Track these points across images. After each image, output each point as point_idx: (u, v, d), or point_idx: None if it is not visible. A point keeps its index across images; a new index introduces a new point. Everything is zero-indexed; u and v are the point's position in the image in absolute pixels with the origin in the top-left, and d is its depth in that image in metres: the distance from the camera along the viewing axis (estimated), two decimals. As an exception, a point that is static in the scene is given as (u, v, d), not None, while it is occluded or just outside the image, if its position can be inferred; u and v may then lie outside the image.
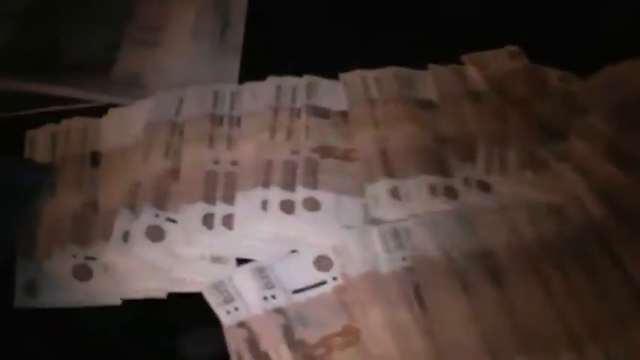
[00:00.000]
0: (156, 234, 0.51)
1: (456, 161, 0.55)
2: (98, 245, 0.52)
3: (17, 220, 0.51)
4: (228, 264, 0.51)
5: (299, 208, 0.52)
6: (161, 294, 0.51)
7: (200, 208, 0.53)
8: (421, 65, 0.62)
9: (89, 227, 0.53)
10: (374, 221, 0.52)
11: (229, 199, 0.53)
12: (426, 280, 0.49)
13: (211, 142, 0.57)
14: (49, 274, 0.50)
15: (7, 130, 0.58)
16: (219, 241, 0.52)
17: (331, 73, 0.61)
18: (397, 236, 0.51)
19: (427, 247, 0.50)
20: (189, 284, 0.50)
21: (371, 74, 0.61)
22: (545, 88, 0.60)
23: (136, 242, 0.51)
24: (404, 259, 0.50)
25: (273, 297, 0.49)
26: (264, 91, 0.60)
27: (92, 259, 0.51)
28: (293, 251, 0.52)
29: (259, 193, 0.53)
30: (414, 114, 0.58)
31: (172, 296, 0.51)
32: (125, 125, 0.58)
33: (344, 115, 0.59)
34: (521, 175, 0.55)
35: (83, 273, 0.51)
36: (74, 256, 0.51)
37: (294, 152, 0.56)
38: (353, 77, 0.61)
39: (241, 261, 0.52)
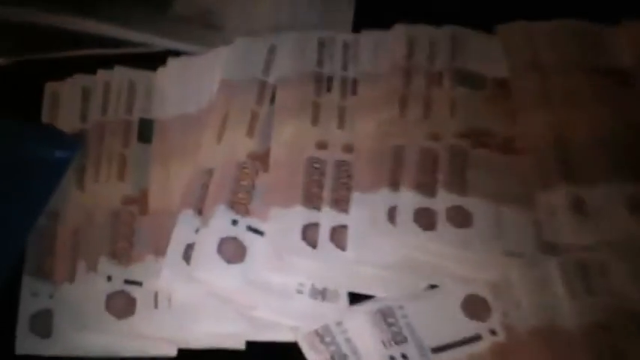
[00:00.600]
0: (232, 250, 0.44)
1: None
2: (145, 263, 0.45)
3: (31, 216, 0.45)
4: (338, 301, 0.45)
5: (441, 221, 0.45)
6: (237, 343, 0.44)
7: (298, 215, 0.45)
8: (612, 19, 0.53)
9: (133, 236, 0.45)
10: (550, 247, 0.45)
11: (341, 204, 0.46)
12: (628, 345, 0.42)
13: (315, 115, 0.49)
14: (70, 305, 0.44)
15: (20, 80, 0.53)
16: (325, 267, 0.45)
17: (484, 24, 0.53)
18: (586, 274, 0.44)
19: (631, 293, 0.43)
20: (278, 329, 0.44)
21: (542, 28, 0.52)
22: None
23: (203, 262, 0.44)
24: (596, 309, 0.43)
25: (404, 357, 0.43)
26: (390, 45, 0.52)
27: (135, 283, 0.44)
28: (432, 287, 0.45)
29: (384, 197, 0.45)
30: (604, 90, 0.50)
31: (253, 347, 0.44)
32: (189, 84, 0.51)
33: (503, 85, 0.50)
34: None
35: (122, 305, 0.44)
36: (109, 279, 0.44)
37: (434, 137, 0.48)
38: (515, 31, 0.52)
39: (355, 297, 0.45)
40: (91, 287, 0.44)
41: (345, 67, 0.50)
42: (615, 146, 0.47)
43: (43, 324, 0.43)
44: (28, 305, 0.44)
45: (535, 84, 0.50)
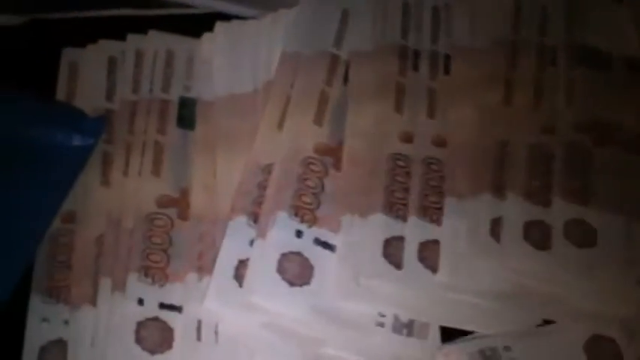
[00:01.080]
0: (296, 270, 0.40)
1: None
2: (186, 284, 0.41)
3: (43, 218, 0.41)
4: (428, 337, 0.41)
5: (557, 238, 0.41)
6: (299, 384, 0.42)
7: (378, 226, 0.41)
8: None
9: (170, 247, 0.41)
10: None
11: (431, 213, 0.42)
12: None
13: (399, 99, 0.45)
14: (90, 335, 0.40)
15: (34, 44, 0.49)
16: (412, 293, 0.40)
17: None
18: None
19: None
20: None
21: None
22: None
23: (260, 283, 0.40)
24: None
25: (511, 412, 0.40)
26: (490, 12, 0.48)
27: (173, 309, 0.40)
28: (546, 322, 0.41)
29: (486, 206, 0.41)
30: None
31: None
32: (242, 56, 0.48)
33: (634, 65, 0.47)
34: None
35: (156, 336, 0.39)
36: (140, 302, 0.40)
37: (548, 130, 0.44)
38: (649, -2, 0.51)
39: (449, 333, 0.41)
40: (117, 312, 0.40)
41: (435, 40, 0.47)
42: None
43: (56, 358, 0.39)
44: (36, 333, 0.40)
45: None
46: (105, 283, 0.40)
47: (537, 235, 0.40)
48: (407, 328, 0.40)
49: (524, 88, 0.45)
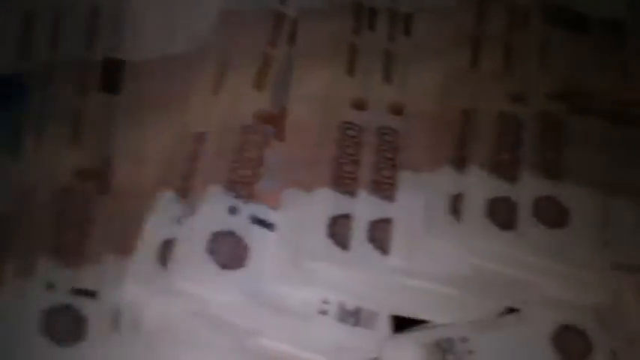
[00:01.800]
0: (229, 250, 0.39)
1: None
2: (102, 265, 0.39)
3: None
4: (376, 327, 0.39)
5: (525, 217, 0.40)
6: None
7: (324, 202, 0.40)
8: None
9: (86, 225, 0.40)
10: None
11: (384, 188, 0.41)
12: None
13: (351, 62, 0.44)
14: None
15: None
16: (360, 277, 0.40)
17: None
18: None
19: None
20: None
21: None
22: None
23: (188, 266, 0.39)
24: None
25: (473, 413, 0.40)
26: None
27: (87, 294, 0.38)
28: (510, 311, 0.40)
29: (446, 180, 0.41)
30: None
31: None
32: (176, 13, 0.46)
33: (616, 28, 0.46)
34: None
35: (66, 325, 0.38)
36: (50, 287, 0.38)
37: (518, 98, 0.43)
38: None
39: (402, 322, 0.40)
40: (21, 299, 0.38)
41: None
42: None
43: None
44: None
45: None
46: (8, 266, 0.39)
47: (502, 214, 0.40)
48: (353, 316, 0.39)
49: (493, 52, 0.44)
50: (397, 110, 0.42)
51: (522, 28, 0.44)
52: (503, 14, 0.44)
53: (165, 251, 0.38)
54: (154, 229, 0.39)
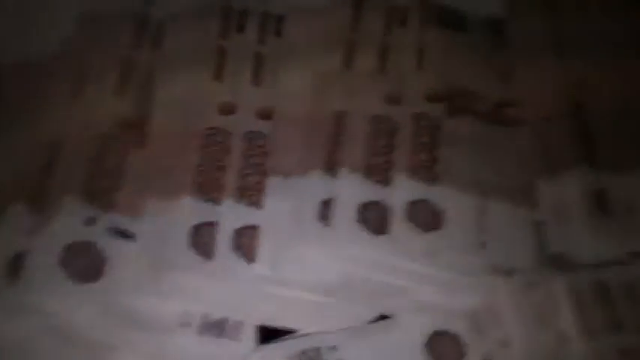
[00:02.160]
0: (85, 263, 0.38)
1: None
2: None
3: None
4: (242, 338, 0.39)
5: (398, 221, 0.40)
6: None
7: (186, 211, 0.40)
8: None
9: None
10: (557, 261, 0.41)
11: (251, 194, 0.41)
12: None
13: (219, 66, 0.44)
14: None
15: None
16: (225, 287, 0.39)
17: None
18: (609, 301, 0.39)
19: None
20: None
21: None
22: None
23: (40, 280, 0.38)
24: (624, 353, 0.39)
25: None
26: None
27: None
28: (382, 318, 0.40)
29: (316, 184, 0.41)
30: None
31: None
32: (33, 16, 0.46)
33: (496, 27, 0.47)
34: None
35: None
36: None
37: (393, 100, 0.43)
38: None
39: (269, 333, 0.40)
40: None
41: None
42: None
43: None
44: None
45: (544, 26, 0.46)
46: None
47: (374, 218, 0.40)
48: (217, 327, 0.39)
49: (368, 52, 0.44)
50: (267, 114, 0.42)
51: (400, 28, 0.44)
52: (380, 14, 0.45)
53: (16, 265, 0.38)
54: (3, 243, 0.39)
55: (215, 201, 0.40)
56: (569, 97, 0.44)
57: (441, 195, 0.40)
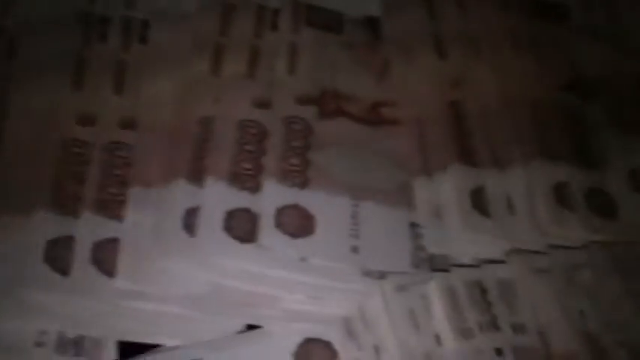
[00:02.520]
0: None
1: (609, 134, 0.43)
2: None
3: None
4: (102, 354, 0.39)
5: (267, 228, 0.40)
6: None
7: (42, 226, 0.39)
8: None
9: None
10: (432, 262, 0.41)
11: (112, 207, 0.40)
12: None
13: (79, 75, 0.42)
14: None
15: None
16: (82, 303, 0.38)
17: None
18: (484, 301, 0.39)
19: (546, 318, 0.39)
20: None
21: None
22: None
23: None
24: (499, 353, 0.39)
25: None
26: None
27: None
28: (250, 328, 0.40)
29: (180, 194, 0.40)
30: (524, 27, 0.46)
31: None
32: None
33: (371, 27, 0.47)
34: None
35: None
36: None
37: (263, 104, 0.43)
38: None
39: (130, 348, 0.39)
40: None
41: (130, 4, 0.45)
42: (539, 110, 0.43)
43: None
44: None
45: (422, 25, 0.46)
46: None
47: (242, 226, 0.39)
48: (74, 346, 0.38)
49: (237, 56, 0.43)
50: (129, 124, 0.41)
51: (271, 32, 0.44)
52: (250, 17, 0.44)
53: None
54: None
55: (73, 214, 0.39)
56: (446, 95, 0.43)
57: (312, 200, 0.40)
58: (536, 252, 0.40)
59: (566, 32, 0.46)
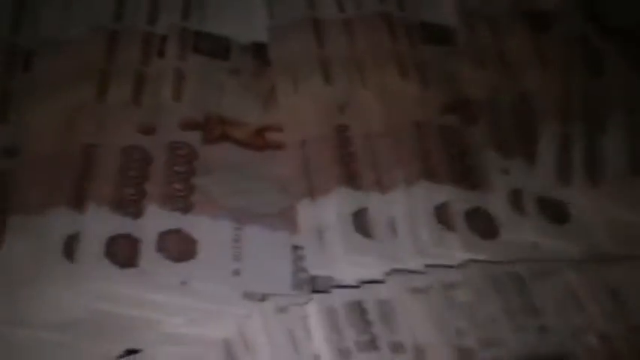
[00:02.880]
0: None
1: (490, 155, 0.45)
2: None
3: None
4: None
5: (147, 253, 0.39)
6: None
7: None
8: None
9: None
10: (313, 284, 0.41)
11: None
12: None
13: None
14: None
15: None
16: None
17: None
18: (365, 321, 0.40)
19: (423, 336, 0.39)
20: None
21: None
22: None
23: None
24: None
25: None
26: None
27: None
28: (130, 352, 0.39)
29: (61, 220, 0.40)
30: (410, 52, 0.48)
31: None
32: None
33: (257, 52, 0.48)
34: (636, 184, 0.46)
35: None
36: None
37: (146, 130, 0.43)
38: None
39: None
40: None
41: (14, 31, 0.44)
42: (423, 132, 0.43)
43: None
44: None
45: (309, 50, 0.46)
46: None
47: (123, 251, 0.39)
48: None
49: (123, 83, 0.43)
50: (12, 152, 0.41)
51: (158, 58, 0.44)
52: (137, 45, 0.44)
53: None
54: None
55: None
56: (332, 120, 0.44)
57: (194, 224, 0.40)
58: (415, 272, 0.40)
59: (450, 56, 0.47)
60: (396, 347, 0.38)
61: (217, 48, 0.46)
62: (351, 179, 0.42)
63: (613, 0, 0.50)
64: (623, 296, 0.41)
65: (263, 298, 0.39)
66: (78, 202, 0.40)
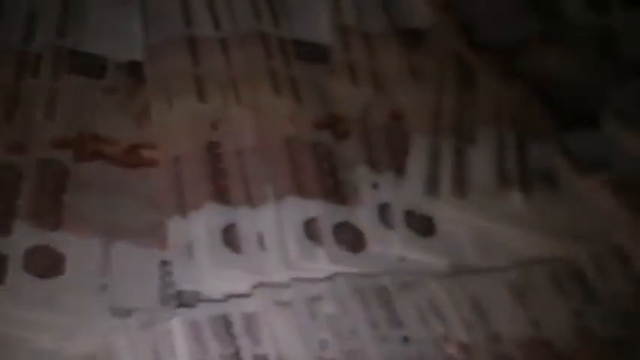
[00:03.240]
0: None
1: (361, 170, 0.46)
2: None
3: None
4: None
5: (15, 269, 0.40)
6: None
7: None
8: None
9: None
10: (179, 299, 0.42)
11: None
12: None
13: None
14: None
15: None
16: None
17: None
18: (228, 332, 0.41)
19: (287, 348, 0.40)
20: None
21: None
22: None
23: None
24: None
25: None
26: None
27: None
28: None
29: None
30: (284, 69, 0.49)
31: None
32: None
33: (132, 71, 0.48)
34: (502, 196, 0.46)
35: None
36: None
37: (17, 149, 0.44)
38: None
39: None
40: None
41: None
42: (295, 152, 0.45)
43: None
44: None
45: (185, 68, 0.47)
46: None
47: None
48: None
49: None
50: None
51: (32, 77, 0.45)
52: (11, 63, 0.45)
53: None
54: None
55: None
56: (204, 136, 0.45)
57: (62, 240, 0.40)
58: (281, 285, 0.41)
59: (324, 73, 0.48)
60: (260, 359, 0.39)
61: (93, 66, 0.46)
62: (221, 195, 0.43)
63: (483, 15, 0.51)
64: (483, 306, 0.42)
65: (129, 313, 0.40)
66: None
